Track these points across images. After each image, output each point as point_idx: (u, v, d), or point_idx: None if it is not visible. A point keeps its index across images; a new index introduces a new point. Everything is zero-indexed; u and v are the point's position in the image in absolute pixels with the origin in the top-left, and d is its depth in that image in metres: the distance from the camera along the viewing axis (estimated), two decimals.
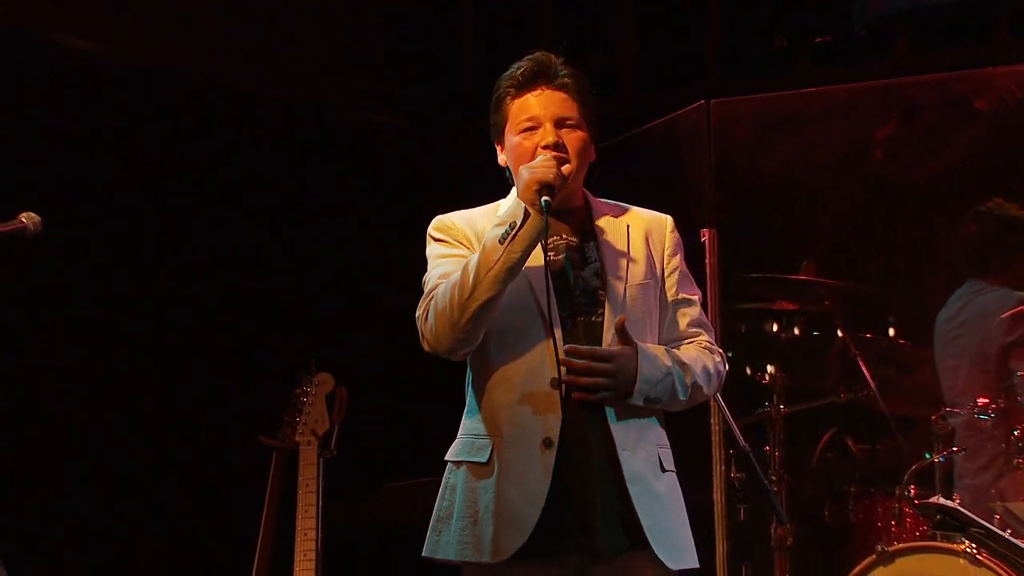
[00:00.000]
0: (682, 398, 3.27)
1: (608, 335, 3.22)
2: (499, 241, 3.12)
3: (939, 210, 6.00)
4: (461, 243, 3.31)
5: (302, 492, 4.49)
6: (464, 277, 3.14)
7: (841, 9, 6.75)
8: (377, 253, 6.43)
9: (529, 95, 3.30)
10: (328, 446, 4.58)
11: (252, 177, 5.98)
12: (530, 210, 3.12)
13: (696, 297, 3.42)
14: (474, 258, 3.16)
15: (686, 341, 3.37)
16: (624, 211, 3.42)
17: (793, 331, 5.94)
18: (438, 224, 3.38)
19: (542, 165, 3.17)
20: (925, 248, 6.28)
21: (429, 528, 3.33)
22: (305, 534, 4.44)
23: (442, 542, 3.28)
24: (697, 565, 3.33)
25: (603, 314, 3.25)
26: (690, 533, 3.33)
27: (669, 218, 3.44)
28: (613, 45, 7.21)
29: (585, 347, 3.19)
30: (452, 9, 7.36)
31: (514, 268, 3.14)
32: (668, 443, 3.34)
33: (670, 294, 3.37)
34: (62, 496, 5.35)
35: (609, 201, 3.44)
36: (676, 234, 3.43)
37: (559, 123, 3.27)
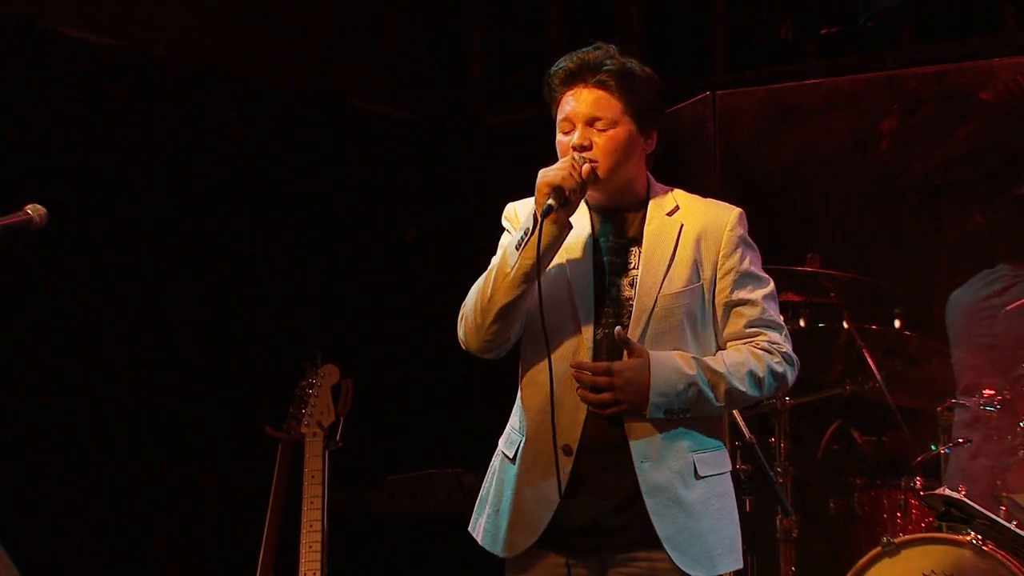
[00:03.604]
0: (717, 405, 3.24)
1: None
2: (515, 247, 3.18)
3: (945, 201, 5.99)
4: (514, 230, 3.36)
5: (307, 484, 4.48)
6: (486, 281, 3.23)
7: (847, 0, 6.73)
8: (383, 245, 6.44)
9: (568, 94, 3.31)
10: (334, 438, 4.57)
11: (256, 168, 5.98)
12: (539, 215, 3.14)
13: (757, 295, 3.32)
14: (496, 262, 3.24)
15: (742, 342, 3.32)
16: (684, 206, 3.37)
17: (799, 323, 5.91)
18: (505, 211, 3.43)
19: (555, 168, 3.19)
20: (931, 239, 6.28)
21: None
22: (311, 525, 4.44)
23: (476, 524, 3.43)
24: (733, 568, 3.34)
25: (628, 326, 3.25)
26: (730, 537, 3.33)
27: (734, 215, 3.37)
28: (619, 36, 7.18)
29: (589, 362, 3.20)
30: None
31: (529, 273, 3.17)
32: (714, 446, 3.32)
33: (722, 296, 3.32)
34: (67, 487, 5.35)
35: (677, 193, 3.41)
36: (738, 231, 3.35)
37: (592, 122, 3.26)
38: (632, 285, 3.28)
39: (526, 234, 3.17)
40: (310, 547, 4.42)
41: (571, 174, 3.17)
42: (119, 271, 5.48)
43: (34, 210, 3.16)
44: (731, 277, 3.31)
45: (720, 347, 3.33)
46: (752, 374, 3.26)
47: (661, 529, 3.19)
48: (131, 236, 5.53)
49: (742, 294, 3.31)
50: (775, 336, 3.33)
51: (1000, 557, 4.58)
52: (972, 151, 6.17)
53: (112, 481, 5.51)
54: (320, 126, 6.34)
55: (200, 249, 5.77)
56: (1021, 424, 4.96)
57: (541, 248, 3.14)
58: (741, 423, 4.71)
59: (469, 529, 3.45)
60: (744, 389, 3.25)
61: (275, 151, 6.07)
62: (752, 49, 6.93)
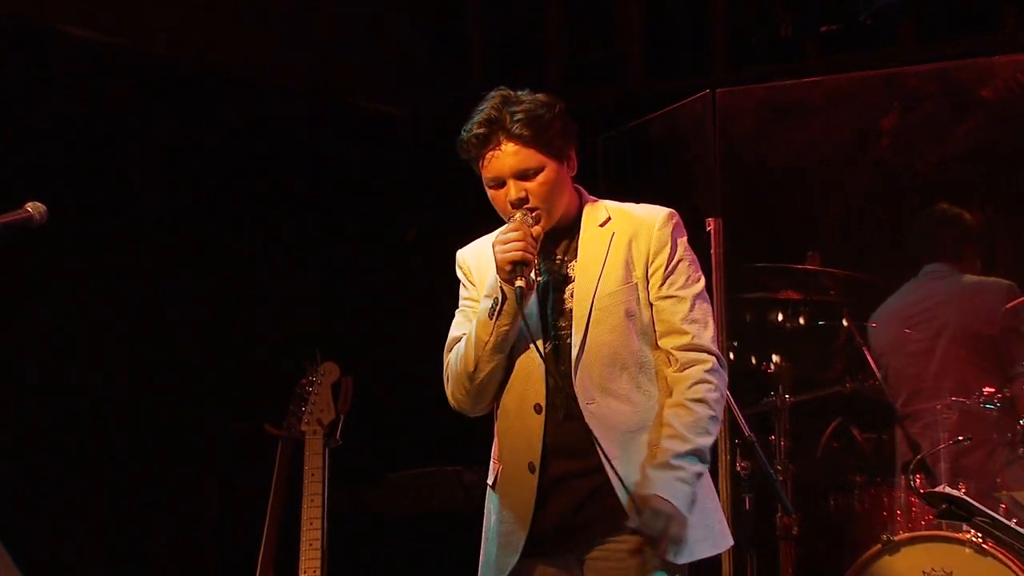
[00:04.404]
0: (707, 463, 3.32)
1: (575, 352, 3.33)
2: (488, 316, 3.31)
3: (946, 198, 5.99)
4: (471, 282, 3.52)
5: (308, 481, 4.49)
6: (467, 351, 3.38)
7: None
8: (383, 242, 6.43)
9: (488, 154, 3.37)
10: (334, 435, 4.58)
11: (256, 168, 5.97)
12: (505, 288, 3.27)
13: (687, 292, 3.38)
14: (473, 332, 3.37)
15: (672, 345, 3.36)
16: (616, 216, 3.45)
17: (799, 321, 5.92)
18: (457, 260, 3.58)
19: (511, 240, 3.27)
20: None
21: None
22: (311, 523, 4.44)
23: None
24: (714, 552, 3.40)
25: (571, 333, 3.36)
26: (705, 524, 3.36)
27: (661, 215, 3.44)
28: (620, 34, 7.20)
29: (661, 511, 3.21)
30: None
31: (507, 336, 3.33)
32: None
33: (654, 292, 3.39)
34: (67, 485, 5.35)
35: (609, 205, 3.48)
36: (667, 229, 3.41)
37: (521, 176, 3.34)
38: (572, 296, 3.38)
39: (496, 303, 3.30)
40: (310, 545, 4.43)
41: (528, 245, 3.26)
42: (119, 268, 5.48)
43: (34, 208, 3.16)
44: (660, 273, 3.38)
45: (656, 344, 3.39)
46: (711, 419, 3.32)
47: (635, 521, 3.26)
48: (133, 233, 5.52)
49: (671, 291, 3.38)
50: (702, 337, 3.37)
51: (1000, 555, 4.58)
52: (972, 149, 6.18)
53: (112, 481, 5.51)
54: (320, 126, 6.33)
55: (200, 249, 5.77)
56: (1021, 422, 4.96)
57: (515, 314, 3.28)
58: (741, 421, 4.71)
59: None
60: (712, 431, 3.33)
61: (275, 151, 6.06)
62: (752, 47, 6.93)
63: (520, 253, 3.24)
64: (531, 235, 3.29)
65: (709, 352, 3.36)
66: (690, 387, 3.33)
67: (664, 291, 3.38)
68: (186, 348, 5.71)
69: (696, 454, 3.29)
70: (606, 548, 3.31)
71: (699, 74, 6.81)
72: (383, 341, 6.13)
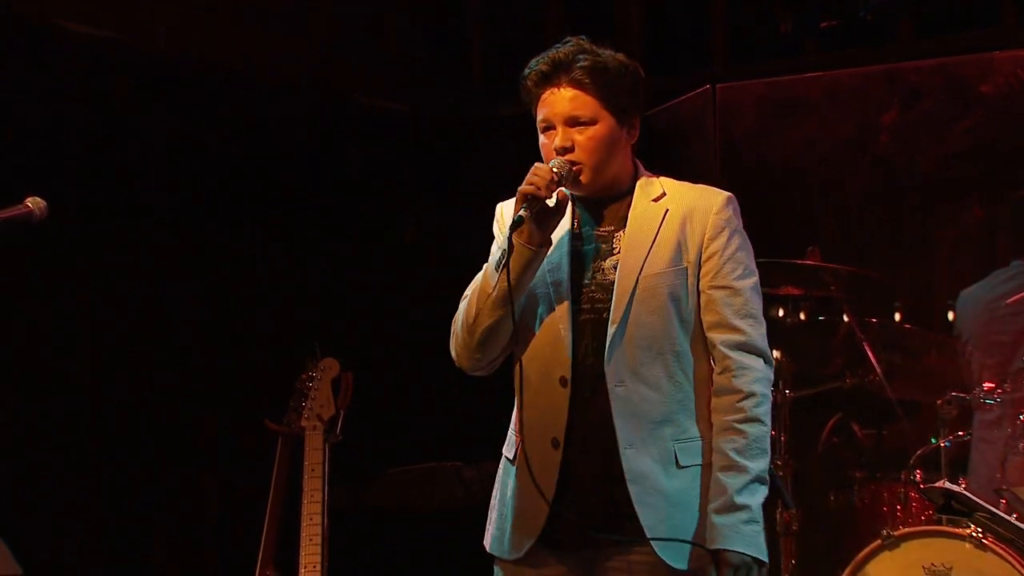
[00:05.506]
0: (767, 480, 3.18)
1: (612, 329, 3.18)
2: (496, 267, 3.17)
3: (945, 194, 5.99)
4: (500, 232, 3.33)
5: (308, 477, 4.48)
6: (471, 301, 3.23)
7: None
8: (383, 241, 6.44)
9: (544, 94, 3.25)
10: (334, 431, 4.57)
11: (257, 166, 5.98)
12: (514, 240, 3.13)
13: (742, 284, 3.21)
14: (479, 281, 3.23)
15: (726, 331, 3.20)
16: (671, 192, 3.30)
17: (799, 316, 5.91)
18: (496, 212, 3.40)
19: (530, 177, 3.14)
20: (931, 233, 6.28)
21: None
22: (311, 519, 4.43)
23: (487, 533, 3.37)
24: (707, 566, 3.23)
25: (610, 309, 3.20)
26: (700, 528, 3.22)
27: (721, 198, 3.28)
28: (619, 30, 7.20)
29: (740, 568, 3.10)
30: None
31: (511, 293, 3.15)
32: (696, 436, 3.21)
33: (706, 280, 3.22)
34: (67, 485, 5.36)
35: (665, 181, 3.34)
36: (725, 214, 3.24)
37: (572, 122, 3.21)
38: (616, 268, 3.23)
39: (504, 254, 3.15)
40: (310, 540, 4.42)
41: (545, 185, 3.12)
42: (119, 265, 5.49)
43: (34, 203, 3.16)
44: (715, 261, 3.22)
45: (702, 334, 3.25)
46: (764, 435, 3.18)
47: (644, 518, 3.14)
48: (133, 229, 5.53)
49: (727, 280, 3.21)
50: (753, 337, 3.22)
51: (1000, 550, 4.58)
52: (972, 146, 6.18)
53: (112, 481, 5.52)
54: (320, 125, 6.34)
55: (200, 249, 5.78)
56: (1021, 417, 4.96)
57: (522, 268, 3.15)
58: None
59: (484, 542, 3.38)
60: (767, 447, 3.19)
61: (275, 150, 6.07)
62: (752, 45, 6.93)
63: (535, 186, 3.10)
64: (554, 179, 3.14)
65: (760, 353, 3.21)
66: (739, 402, 3.17)
67: (718, 280, 3.21)
68: (186, 347, 5.71)
69: (757, 480, 3.14)
70: (620, 559, 3.19)
71: (699, 70, 6.80)
72: (383, 338, 6.14)
